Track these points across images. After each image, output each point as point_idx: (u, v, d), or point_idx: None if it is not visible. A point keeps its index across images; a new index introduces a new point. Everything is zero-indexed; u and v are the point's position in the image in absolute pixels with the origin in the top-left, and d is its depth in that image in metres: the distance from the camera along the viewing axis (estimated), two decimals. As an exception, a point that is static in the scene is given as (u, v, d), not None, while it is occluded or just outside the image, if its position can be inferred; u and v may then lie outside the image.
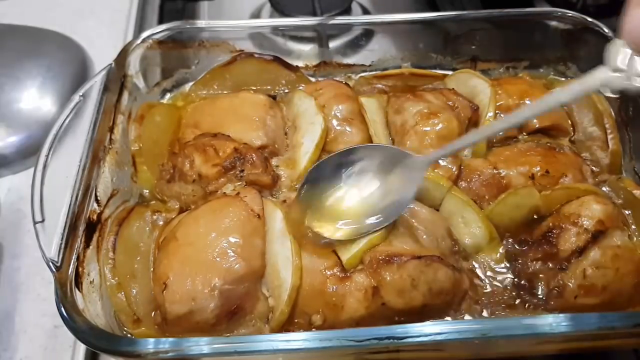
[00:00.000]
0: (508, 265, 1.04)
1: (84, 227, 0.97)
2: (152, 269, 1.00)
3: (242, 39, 1.36)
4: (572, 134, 1.25)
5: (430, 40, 1.39)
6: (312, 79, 1.37)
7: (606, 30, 1.27)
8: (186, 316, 0.91)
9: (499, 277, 1.03)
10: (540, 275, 0.99)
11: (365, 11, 1.82)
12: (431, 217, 1.04)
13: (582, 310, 0.96)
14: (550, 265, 0.99)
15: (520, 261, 1.02)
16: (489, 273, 1.03)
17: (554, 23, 1.35)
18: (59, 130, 1.05)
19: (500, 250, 1.05)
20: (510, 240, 1.06)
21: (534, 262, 1.01)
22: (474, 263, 1.04)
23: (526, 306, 0.99)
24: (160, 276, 0.94)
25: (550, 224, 1.02)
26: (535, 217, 1.06)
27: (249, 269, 0.93)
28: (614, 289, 0.96)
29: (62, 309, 0.84)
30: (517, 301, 1.00)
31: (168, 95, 1.36)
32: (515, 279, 1.01)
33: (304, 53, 1.41)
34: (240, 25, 1.37)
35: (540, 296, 0.99)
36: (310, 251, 0.96)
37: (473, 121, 1.21)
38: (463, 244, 1.05)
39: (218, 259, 0.92)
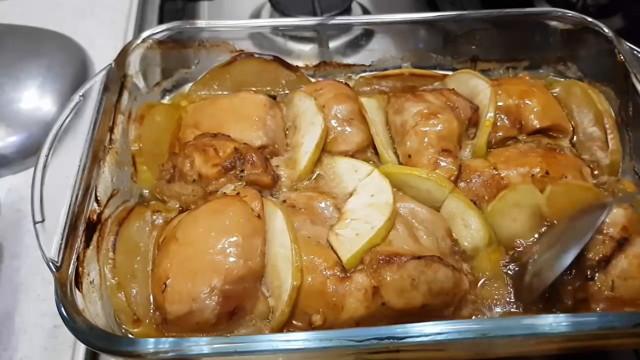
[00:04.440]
0: (507, 266, 1.03)
1: (84, 227, 0.97)
2: (151, 269, 1.00)
3: (242, 39, 1.36)
4: (572, 134, 1.24)
5: (430, 40, 1.39)
6: (312, 79, 1.37)
7: (606, 30, 1.27)
8: (186, 316, 0.91)
9: (499, 279, 1.03)
10: (568, 288, 0.96)
11: (365, 11, 1.82)
12: (431, 217, 1.04)
13: None
14: (576, 274, 0.95)
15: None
16: (488, 274, 1.03)
17: (554, 23, 1.35)
18: (59, 130, 1.05)
19: (499, 253, 1.04)
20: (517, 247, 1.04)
21: (561, 274, 0.95)
22: (472, 265, 1.04)
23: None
24: (160, 276, 0.94)
25: None
26: (539, 222, 1.05)
27: (249, 269, 0.93)
28: (638, 299, 0.94)
29: (62, 309, 0.84)
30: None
31: (168, 96, 1.36)
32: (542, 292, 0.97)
33: (304, 53, 1.41)
34: (240, 25, 1.37)
35: (565, 307, 0.96)
36: (310, 251, 0.96)
37: (473, 121, 1.21)
38: (463, 245, 1.05)
39: (218, 259, 0.92)
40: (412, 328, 0.80)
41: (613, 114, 1.24)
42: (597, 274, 0.94)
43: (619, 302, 0.94)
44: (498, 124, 1.20)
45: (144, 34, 1.29)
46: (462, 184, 1.10)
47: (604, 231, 0.97)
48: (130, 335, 0.94)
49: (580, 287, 0.95)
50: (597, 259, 0.95)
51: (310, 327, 0.92)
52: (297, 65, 1.35)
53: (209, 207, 1.00)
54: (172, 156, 1.15)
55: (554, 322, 0.81)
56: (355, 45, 1.45)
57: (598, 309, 0.94)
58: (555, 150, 1.16)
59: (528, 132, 1.22)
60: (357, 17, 1.70)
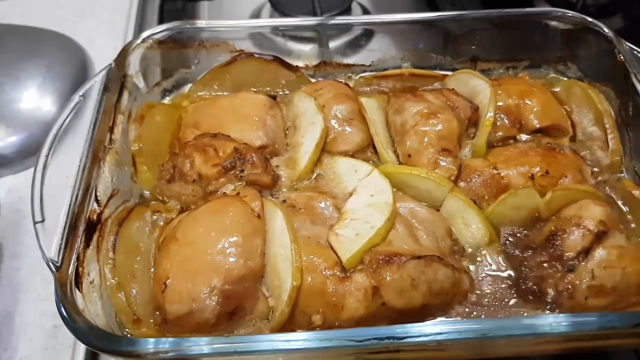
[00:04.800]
0: (506, 265, 1.04)
1: (84, 227, 0.97)
2: (152, 269, 1.00)
3: (242, 39, 1.36)
4: (572, 134, 1.24)
5: (430, 40, 1.39)
6: (312, 79, 1.37)
7: (606, 30, 1.28)
8: (186, 316, 0.91)
9: (499, 278, 1.03)
10: (549, 280, 0.98)
11: (365, 11, 1.82)
12: (431, 217, 1.04)
13: (593, 312, 0.95)
14: (558, 267, 0.98)
15: (526, 265, 1.02)
16: (488, 274, 1.03)
17: (554, 23, 1.35)
18: (59, 130, 1.05)
19: (499, 252, 1.05)
20: (512, 243, 1.06)
21: (541, 267, 1.00)
22: (472, 264, 1.04)
23: (536, 310, 0.98)
24: (160, 276, 0.94)
25: (553, 228, 1.02)
26: (535, 219, 1.06)
27: (248, 269, 0.93)
28: (622, 288, 0.96)
29: (62, 309, 0.84)
30: (526, 306, 0.99)
31: (168, 96, 1.36)
32: (523, 285, 1.00)
33: (304, 53, 1.41)
34: (240, 25, 1.37)
35: (550, 299, 0.98)
36: (310, 251, 0.96)
37: (473, 121, 1.21)
38: (463, 244, 1.05)
39: (218, 259, 0.92)
40: (412, 328, 0.80)
41: (613, 114, 1.24)
42: (577, 265, 0.97)
43: (601, 291, 0.96)
44: (498, 123, 1.20)
45: (144, 34, 1.29)
46: (462, 184, 1.10)
47: (582, 225, 0.99)
48: (130, 336, 0.94)
49: (562, 279, 0.97)
50: (576, 251, 0.98)
51: (310, 327, 0.92)
52: (297, 65, 1.35)
53: (209, 207, 1.00)
54: (172, 156, 1.15)
55: (554, 322, 0.81)
56: (355, 45, 1.45)
57: (582, 300, 0.95)
58: (555, 149, 1.16)
59: (528, 131, 1.22)
60: (357, 17, 1.70)
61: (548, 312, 0.98)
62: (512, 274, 1.03)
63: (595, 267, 0.95)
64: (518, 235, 1.06)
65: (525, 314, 0.98)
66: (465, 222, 1.05)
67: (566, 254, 0.98)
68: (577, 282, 0.95)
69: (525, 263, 1.02)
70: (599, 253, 0.96)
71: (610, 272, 0.95)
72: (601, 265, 0.95)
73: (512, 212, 1.06)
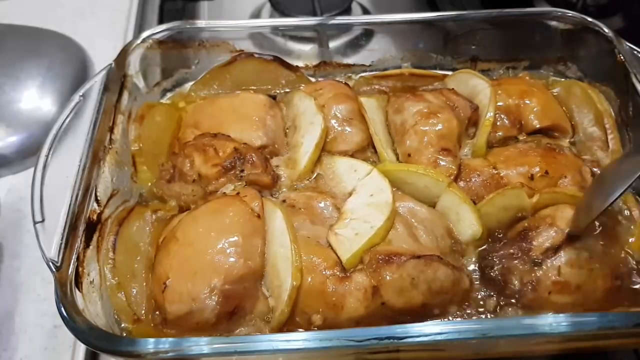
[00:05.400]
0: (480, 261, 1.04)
1: (84, 227, 0.97)
2: (152, 269, 1.00)
3: (242, 39, 1.36)
4: (573, 134, 1.24)
5: (430, 40, 1.39)
6: (312, 79, 1.37)
7: (606, 30, 1.27)
8: (186, 316, 0.91)
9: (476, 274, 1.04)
10: (515, 272, 0.99)
11: (365, 11, 1.83)
12: (430, 216, 1.04)
13: (555, 308, 0.96)
14: (525, 260, 0.99)
15: (494, 256, 1.02)
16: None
17: (554, 23, 1.35)
18: (59, 130, 1.05)
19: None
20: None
21: (509, 258, 1.00)
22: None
23: (498, 302, 0.99)
24: (160, 276, 0.94)
25: (527, 224, 1.03)
26: (517, 219, 1.06)
27: (248, 269, 0.93)
28: (587, 289, 0.97)
29: (62, 309, 0.84)
30: (489, 297, 1.00)
31: (168, 95, 1.36)
32: (488, 273, 1.01)
33: (304, 53, 1.41)
34: (240, 25, 1.37)
35: (512, 290, 0.98)
36: (310, 251, 0.96)
37: (473, 121, 1.21)
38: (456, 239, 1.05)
39: (218, 259, 0.92)
40: (412, 328, 0.80)
41: (613, 114, 1.24)
42: (545, 261, 0.97)
43: (565, 288, 0.96)
44: (498, 123, 1.20)
45: (144, 34, 1.29)
46: (461, 183, 1.10)
47: (556, 224, 1.00)
48: (130, 335, 0.94)
49: (528, 273, 0.98)
50: (546, 247, 0.98)
51: (310, 326, 0.92)
52: (297, 65, 1.35)
53: (208, 207, 1.00)
54: (172, 156, 1.15)
55: (554, 322, 0.81)
56: (355, 45, 1.45)
57: (545, 294, 0.96)
58: (554, 150, 1.16)
59: (528, 131, 1.22)
60: (357, 17, 1.70)
61: (508, 302, 0.99)
62: (485, 267, 1.02)
63: (563, 265, 0.96)
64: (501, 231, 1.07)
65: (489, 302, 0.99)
66: (459, 218, 1.05)
67: (535, 249, 0.99)
68: (543, 276, 0.96)
69: (494, 253, 1.02)
70: (569, 252, 0.97)
71: (577, 271, 0.96)
72: (569, 263, 0.96)
73: (500, 212, 1.06)
